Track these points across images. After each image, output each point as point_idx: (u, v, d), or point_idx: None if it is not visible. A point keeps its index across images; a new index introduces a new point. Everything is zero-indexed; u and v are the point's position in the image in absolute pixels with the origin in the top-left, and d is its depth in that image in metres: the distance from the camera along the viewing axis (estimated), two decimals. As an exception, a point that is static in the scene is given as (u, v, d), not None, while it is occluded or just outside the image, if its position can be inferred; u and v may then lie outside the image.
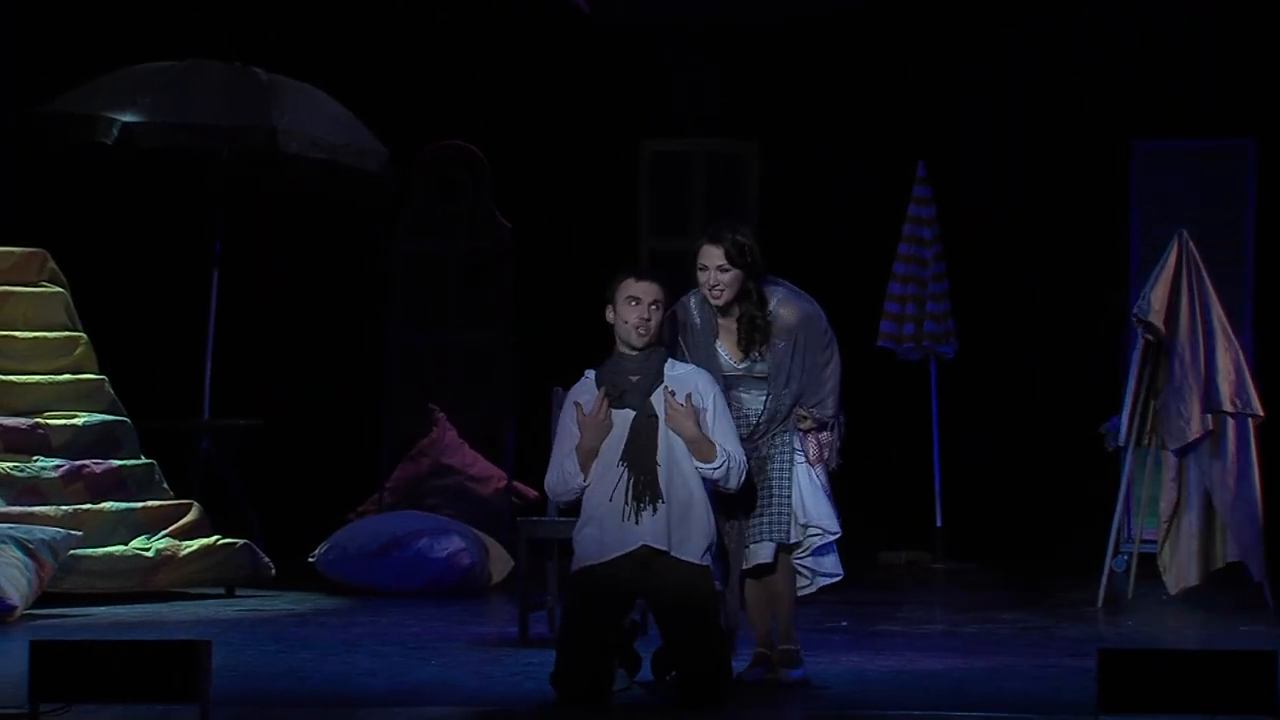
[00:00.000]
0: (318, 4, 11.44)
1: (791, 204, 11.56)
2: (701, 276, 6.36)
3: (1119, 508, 9.05)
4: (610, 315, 6.16)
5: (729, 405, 6.28)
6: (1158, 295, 8.76)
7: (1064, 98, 11.27)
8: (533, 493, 10.46)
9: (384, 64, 11.37)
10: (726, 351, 6.41)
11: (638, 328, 6.10)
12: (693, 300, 6.46)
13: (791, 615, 6.50)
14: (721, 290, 6.33)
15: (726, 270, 6.31)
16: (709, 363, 6.36)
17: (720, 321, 6.42)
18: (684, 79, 11.66)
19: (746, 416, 6.41)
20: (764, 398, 6.42)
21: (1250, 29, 11.00)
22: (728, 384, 6.38)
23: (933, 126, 11.31)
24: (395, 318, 11.21)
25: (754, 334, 6.37)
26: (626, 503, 6.03)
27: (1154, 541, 8.93)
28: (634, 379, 6.12)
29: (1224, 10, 11.01)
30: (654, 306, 6.12)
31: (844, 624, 8.09)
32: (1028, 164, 11.39)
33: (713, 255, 6.33)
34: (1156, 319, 8.74)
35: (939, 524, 10.82)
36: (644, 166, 11.54)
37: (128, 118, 9.42)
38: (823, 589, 6.56)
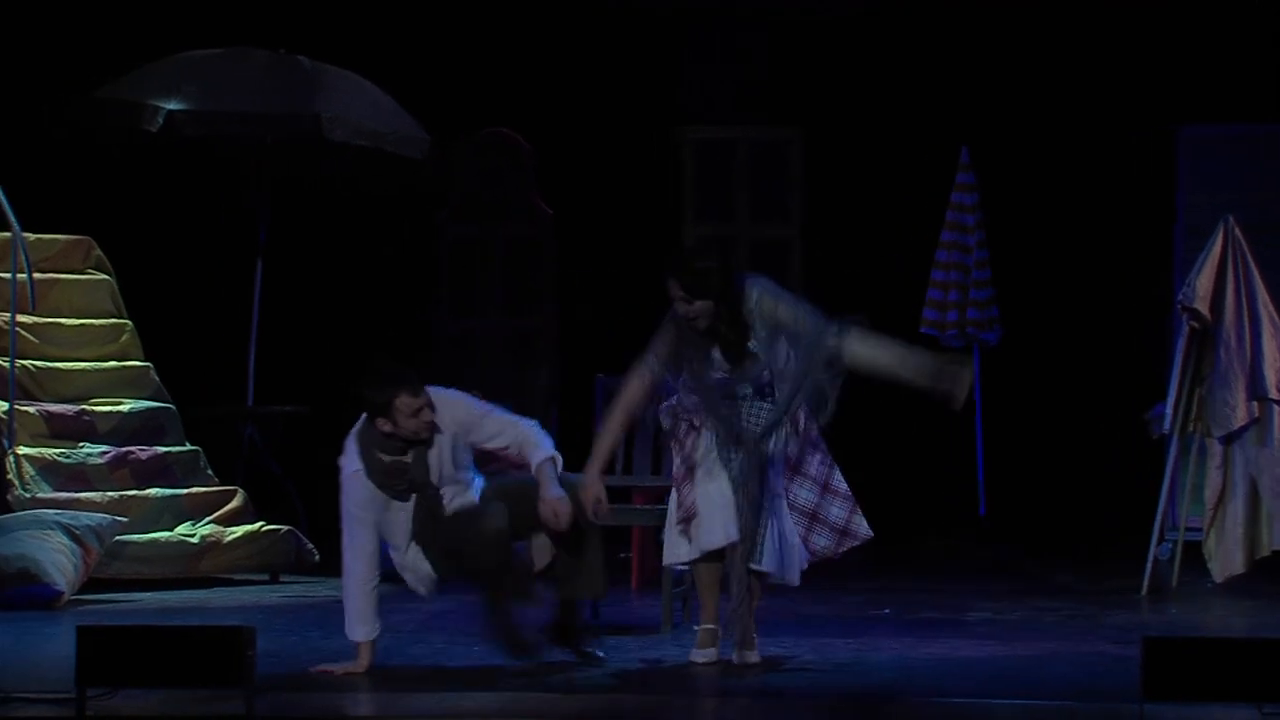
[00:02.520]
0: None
1: (835, 191, 11.53)
2: (677, 306, 6.42)
3: (1163, 495, 9.01)
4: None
5: (733, 415, 6.32)
6: (1203, 282, 8.71)
7: (1108, 82, 11.21)
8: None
9: (428, 51, 11.38)
10: (717, 365, 6.45)
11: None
12: (676, 321, 6.49)
13: (752, 612, 6.48)
14: (695, 317, 6.39)
15: (690, 302, 6.36)
16: (702, 368, 6.37)
17: (705, 338, 6.46)
18: (727, 66, 11.64)
19: (753, 418, 6.41)
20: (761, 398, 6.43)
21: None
22: (724, 389, 6.39)
23: (976, 112, 11.26)
24: (438, 304, 11.23)
25: (738, 342, 6.42)
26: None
27: (1199, 529, 8.89)
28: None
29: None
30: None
31: (887, 611, 8.08)
32: (1072, 149, 11.33)
33: (675, 289, 6.40)
34: (1202, 306, 8.70)
35: (982, 511, 10.79)
36: (687, 153, 11.53)
37: (172, 105, 9.46)
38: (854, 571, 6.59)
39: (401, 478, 6.34)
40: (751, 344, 6.42)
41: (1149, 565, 8.81)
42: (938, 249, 10.81)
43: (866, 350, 6.48)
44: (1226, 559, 8.73)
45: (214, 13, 10.93)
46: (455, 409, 6.46)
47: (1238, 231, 8.76)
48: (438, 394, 6.42)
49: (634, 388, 6.52)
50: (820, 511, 6.59)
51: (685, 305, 6.38)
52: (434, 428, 6.34)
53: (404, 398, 6.29)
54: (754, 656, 6.44)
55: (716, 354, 6.45)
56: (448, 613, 7.92)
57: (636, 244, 10.85)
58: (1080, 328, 11.24)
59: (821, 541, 6.61)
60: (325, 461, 11.18)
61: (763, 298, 6.45)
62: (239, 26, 10.41)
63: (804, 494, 6.57)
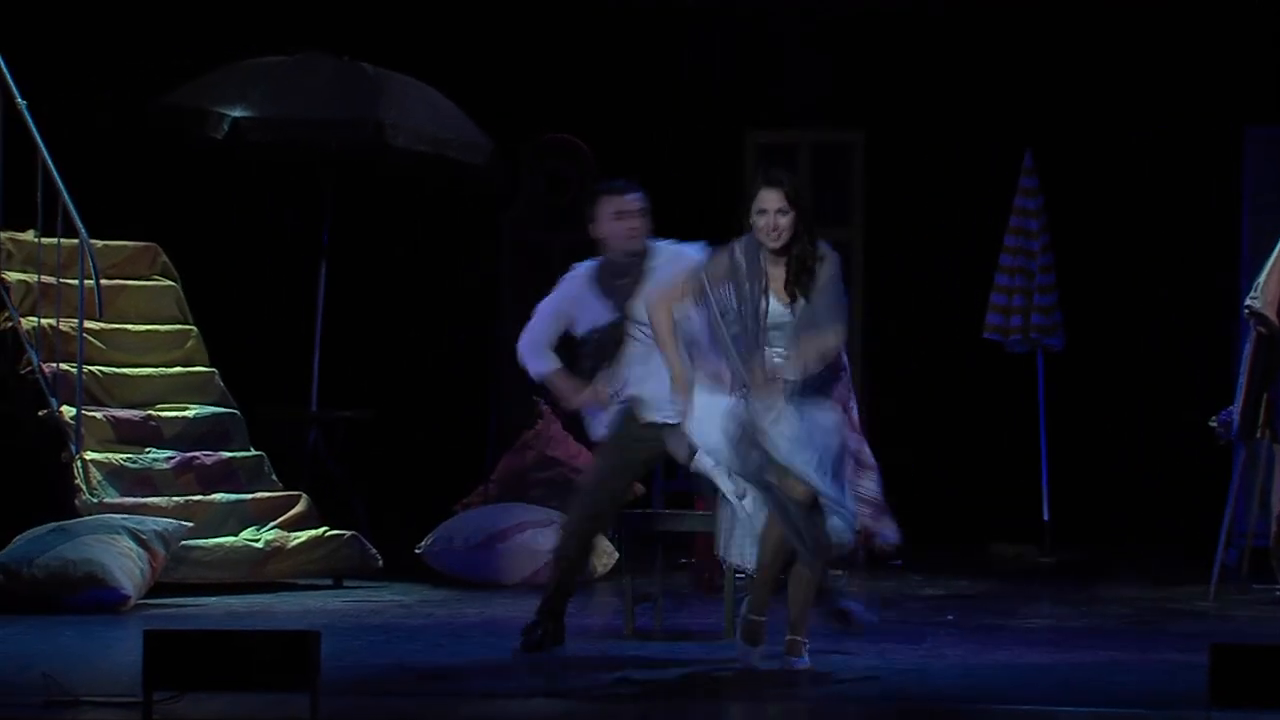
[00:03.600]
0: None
1: (898, 195, 11.50)
2: (760, 220, 6.40)
3: (1230, 501, 8.94)
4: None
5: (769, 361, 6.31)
6: (1270, 287, 8.62)
7: (1174, 83, 11.13)
8: (637, 486, 10.46)
9: (490, 57, 11.41)
10: (775, 298, 6.40)
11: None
12: (738, 249, 6.46)
13: (809, 602, 6.45)
14: (780, 233, 6.39)
15: (786, 213, 6.38)
16: (756, 309, 6.34)
17: (769, 269, 6.41)
18: (791, 69, 11.63)
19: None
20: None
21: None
22: (771, 337, 6.36)
23: (1040, 115, 11.20)
24: (502, 310, 11.26)
25: (803, 274, 6.39)
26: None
27: (1266, 536, 8.81)
28: None
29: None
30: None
31: (950, 617, 8.05)
32: (1137, 152, 11.25)
33: (772, 199, 6.40)
34: (1269, 311, 8.62)
35: (1046, 517, 10.72)
36: (750, 157, 11.52)
37: (238, 112, 9.52)
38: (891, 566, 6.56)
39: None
40: (805, 296, 6.37)
41: (1215, 572, 8.74)
42: (1001, 253, 10.75)
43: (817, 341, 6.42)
44: (1294, 566, 8.65)
45: (278, 20, 11.00)
46: None
47: (1306, 235, 8.68)
48: None
49: (665, 317, 6.49)
50: (884, 502, 6.56)
51: (778, 217, 6.35)
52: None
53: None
54: (800, 659, 6.42)
55: (772, 297, 6.38)
56: (501, 618, 7.94)
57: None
58: (1146, 332, 11.16)
59: (889, 534, 6.58)
60: (388, 465, 11.25)
61: (828, 258, 6.43)
62: (303, 33, 10.47)
63: (869, 485, 6.54)
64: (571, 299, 7.17)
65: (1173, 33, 11.15)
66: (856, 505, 6.43)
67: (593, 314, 7.10)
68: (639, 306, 6.86)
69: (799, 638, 6.45)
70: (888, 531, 6.58)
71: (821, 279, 6.41)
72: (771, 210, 6.40)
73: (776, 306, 6.41)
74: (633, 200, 7.09)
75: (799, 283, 6.40)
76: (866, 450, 6.58)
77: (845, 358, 6.60)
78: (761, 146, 11.51)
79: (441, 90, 10.05)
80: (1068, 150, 11.16)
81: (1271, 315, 8.64)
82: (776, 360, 6.38)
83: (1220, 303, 10.57)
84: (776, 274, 6.44)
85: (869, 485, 6.54)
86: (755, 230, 6.44)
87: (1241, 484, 8.98)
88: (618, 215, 7.07)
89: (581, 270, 7.21)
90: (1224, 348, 10.34)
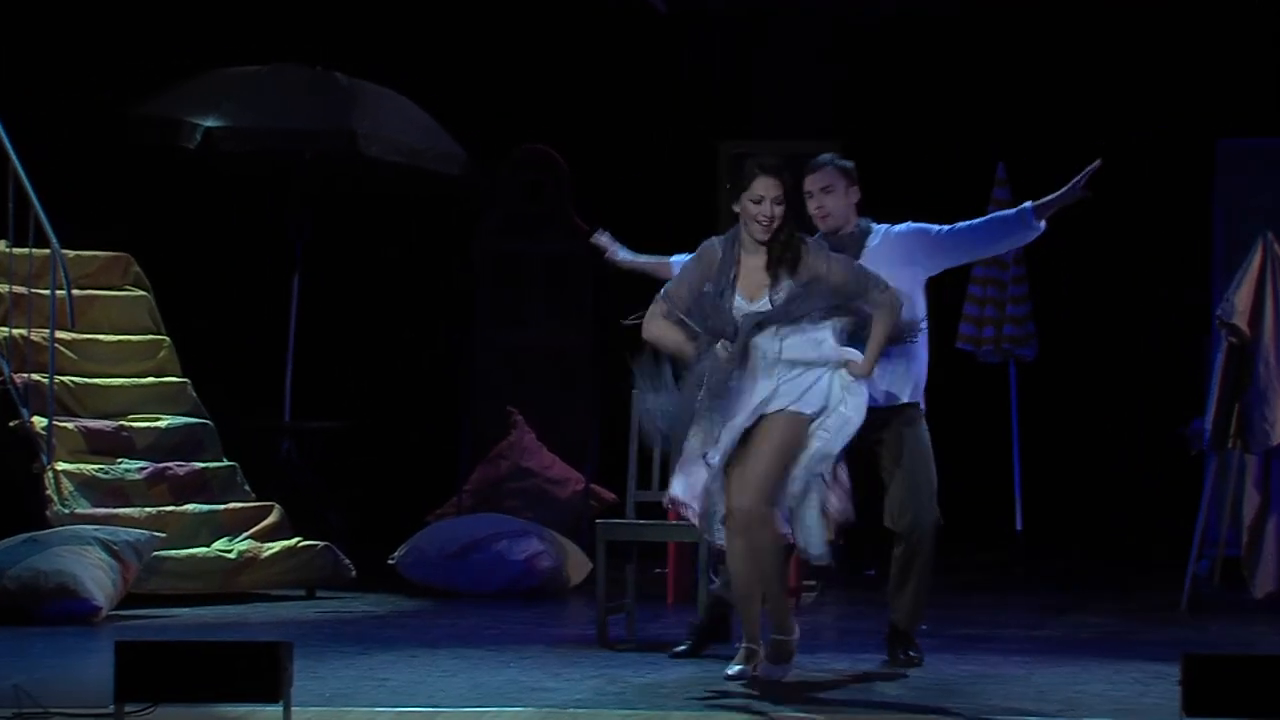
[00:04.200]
0: (399, 9, 11.51)
1: (871, 206, 11.49)
2: (754, 209, 6.36)
3: (1202, 511, 8.97)
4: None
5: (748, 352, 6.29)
6: (1241, 297, 8.68)
7: (1147, 96, 11.18)
8: (611, 495, 10.47)
9: (465, 68, 11.42)
10: (741, 294, 6.37)
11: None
12: (718, 243, 6.45)
13: (783, 593, 6.41)
14: (774, 222, 6.36)
15: (781, 203, 6.36)
16: (718, 304, 6.32)
17: (745, 261, 6.37)
18: (766, 80, 11.65)
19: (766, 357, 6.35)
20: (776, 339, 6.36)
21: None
22: (724, 326, 6.33)
23: (1012, 128, 11.24)
24: (478, 320, 11.26)
25: (784, 259, 6.34)
26: None
27: (1238, 545, 8.84)
28: None
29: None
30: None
31: (924, 627, 8.06)
32: (1109, 164, 11.28)
33: (770, 186, 6.36)
34: (1240, 321, 8.66)
35: (1019, 527, 10.75)
36: (723, 168, 11.54)
37: (210, 122, 9.52)
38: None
39: None
40: (789, 284, 6.34)
41: (1188, 582, 8.77)
42: (974, 265, 10.78)
43: (878, 317, 6.41)
44: (1266, 576, 8.69)
45: (253, 29, 10.99)
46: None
47: (1276, 246, 8.72)
48: None
49: (662, 325, 6.45)
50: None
51: (774, 206, 6.31)
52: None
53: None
54: (782, 669, 6.40)
55: (739, 293, 6.35)
56: (475, 628, 7.93)
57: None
58: (1118, 343, 11.20)
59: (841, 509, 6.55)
60: (361, 476, 11.23)
61: (816, 249, 6.42)
62: (277, 43, 10.46)
63: (835, 502, 6.53)
64: None
65: (1145, 46, 11.20)
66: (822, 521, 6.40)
67: None
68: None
69: (783, 636, 6.41)
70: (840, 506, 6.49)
71: (806, 273, 6.33)
72: (769, 199, 6.33)
73: (741, 303, 6.36)
74: (813, 179, 6.86)
75: (782, 264, 6.33)
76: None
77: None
78: (735, 157, 11.53)
79: (416, 101, 10.05)
80: (1040, 162, 11.18)
81: (1243, 326, 8.68)
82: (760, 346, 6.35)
83: (1192, 314, 10.61)
84: (752, 265, 6.38)
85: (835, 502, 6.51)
86: (746, 218, 6.37)
87: (1213, 494, 9.01)
88: (806, 194, 6.87)
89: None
90: (1196, 359, 10.38)
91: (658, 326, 6.49)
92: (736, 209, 6.42)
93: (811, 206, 6.84)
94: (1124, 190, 11.24)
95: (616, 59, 11.61)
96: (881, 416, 6.72)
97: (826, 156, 6.91)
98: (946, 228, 6.97)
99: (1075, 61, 11.31)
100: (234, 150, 9.64)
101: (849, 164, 6.91)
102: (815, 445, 6.31)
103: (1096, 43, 11.26)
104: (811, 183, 6.85)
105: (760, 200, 6.35)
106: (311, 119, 9.62)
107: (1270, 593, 8.69)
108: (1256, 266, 8.69)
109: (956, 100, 11.37)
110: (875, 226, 6.95)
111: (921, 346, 6.86)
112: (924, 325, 6.84)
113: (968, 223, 7.01)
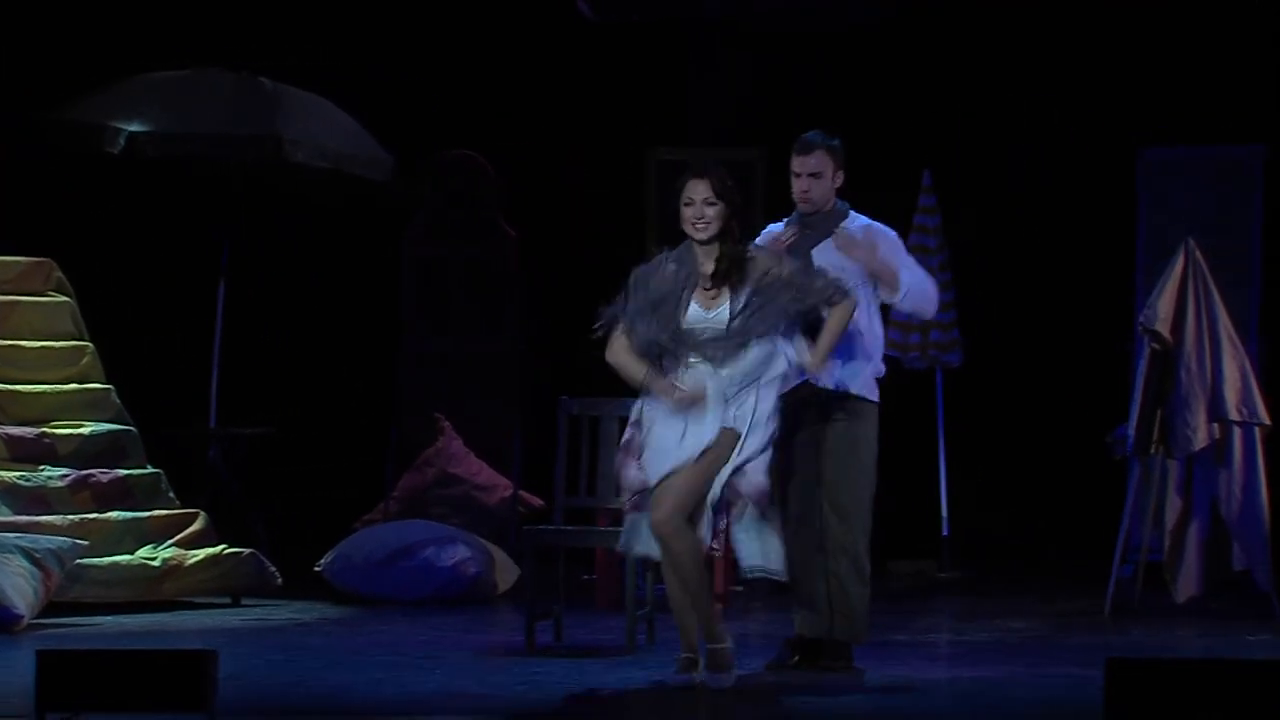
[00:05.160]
0: (325, 13, 11.46)
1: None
2: (687, 212, 6.39)
3: (1126, 516, 9.05)
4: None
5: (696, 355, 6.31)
6: (1164, 304, 8.75)
7: (1070, 105, 11.26)
8: (538, 501, 10.46)
9: (392, 73, 11.38)
10: (698, 302, 6.38)
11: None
12: (669, 256, 6.45)
13: (711, 601, 6.43)
14: (707, 224, 6.37)
15: (713, 204, 6.37)
16: (674, 313, 6.31)
17: (702, 272, 6.37)
18: (693, 88, 11.67)
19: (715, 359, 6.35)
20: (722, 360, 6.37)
21: (1258, 35, 10.99)
22: (690, 339, 6.32)
23: (938, 135, 11.30)
24: (403, 326, 11.22)
25: (733, 271, 6.36)
26: None
27: (1161, 550, 8.92)
28: None
29: (1232, 17, 11.00)
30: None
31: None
32: (1034, 172, 11.38)
33: (699, 189, 6.38)
34: (1163, 328, 8.74)
35: (945, 533, 10.81)
36: (651, 175, 11.55)
37: (134, 127, 9.45)
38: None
39: None
40: (747, 290, 6.34)
41: (1111, 586, 8.84)
42: (901, 271, 10.81)
43: (834, 314, 6.41)
44: (1188, 580, 8.76)
45: (177, 33, 10.91)
46: None
47: (1198, 254, 8.80)
48: None
49: (621, 346, 6.43)
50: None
51: (704, 207, 6.32)
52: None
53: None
54: (724, 676, 6.41)
55: (695, 302, 6.35)
56: (402, 635, 7.91)
57: (602, 266, 10.84)
58: (1042, 350, 11.28)
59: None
60: (288, 483, 11.17)
61: (760, 253, 6.43)
62: (202, 47, 10.40)
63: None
64: None
65: (1068, 55, 11.29)
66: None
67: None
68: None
69: (719, 645, 6.41)
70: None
71: (757, 274, 6.35)
72: (699, 200, 6.36)
73: (697, 311, 6.37)
74: (803, 161, 6.79)
75: (729, 278, 6.35)
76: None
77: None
78: (662, 164, 11.53)
79: (342, 106, 10.01)
80: (965, 170, 11.26)
81: (1165, 333, 8.75)
82: (696, 365, 6.35)
83: (1115, 321, 10.70)
84: (707, 273, 6.39)
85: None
86: (682, 222, 6.39)
87: (1136, 499, 9.08)
88: (793, 173, 6.81)
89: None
90: (1119, 365, 10.46)
91: (618, 353, 6.47)
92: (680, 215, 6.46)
93: (796, 187, 6.78)
94: (1048, 198, 11.34)
95: (545, 65, 11.60)
96: (828, 402, 6.72)
97: (817, 136, 6.80)
98: (902, 291, 6.84)
99: (999, 70, 11.38)
100: (158, 155, 9.57)
101: (837, 144, 6.82)
102: (735, 459, 6.33)
103: (1020, 51, 11.33)
104: (800, 164, 6.78)
105: (690, 202, 6.39)
106: (236, 124, 9.56)
107: (1192, 597, 8.77)
108: (1178, 273, 8.77)
109: (883, 108, 11.41)
110: (853, 212, 6.91)
111: (877, 348, 6.87)
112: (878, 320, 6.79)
113: (915, 287, 6.88)
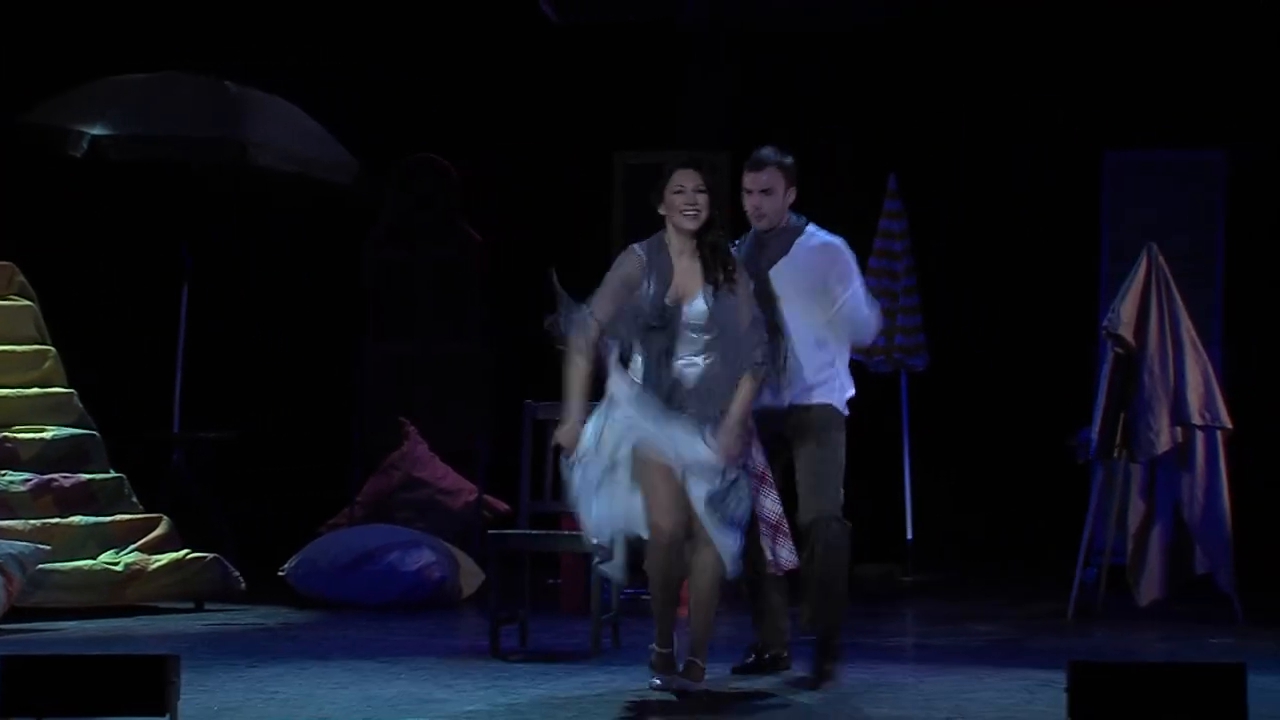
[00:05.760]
0: (289, 17, 11.44)
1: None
2: (678, 200, 6.42)
3: (1089, 520, 9.08)
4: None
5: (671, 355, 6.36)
6: (1127, 308, 8.79)
7: (1035, 108, 11.30)
8: (504, 505, 10.45)
9: (357, 76, 11.36)
10: (683, 293, 6.39)
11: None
12: (639, 248, 6.48)
13: (710, 622, 6.46)
14: (698, 211, 6.40)
15: (703, 191, 6.40)
16: (654, 301, 6.34)
17: (677, 264, 6.39)
18: (660, 91, 11.67)
19: (682, 377, 6.36)
20: (701, 356, 6.37)
21: (1222, 41, 11.04)
22: (684, 335, 6.35)
23: (904, 139, 11.33)
24: (367, 330, 11.20)
25: (717, 261, 6.40)
26: None
27: (1124, 554, 8.95)
28: None
29: (1196, 22, 11.05)
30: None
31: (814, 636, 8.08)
32: (999, 176, 11.41)
33: (690, 177, 6.42)
34: (1126, 332, 8.77)
35: (910, 537, 10.83)
36: (618, 179, 11.55)
37: (97, 131, 9.41)
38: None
39: None
40: (714, 285, 6.37)
41: (1075, 590, 8.87)
42: (865, 275, 10.83)
43: (745, 383, 6.42)
44: (1150, 583, 8.80)
45: (141, 37, 10.88)
46: None
47: (1161, 259, 8.84)
48: None
49: (575, 369, 6.43)
50: (784, 523, 6.59)
51: (695, 195, 6.36)
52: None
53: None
54: (695, 681, 6.42)
55: (672, 292, 6.37)
56: (366, 640, 7.89)
57: (568, 270, 10.84)
58: (1006, 354, 11.31)
59: (785, 554, 6.61)
60: (252, 487, 11.13)
61: (740, 269, 6.47)
62: (166, 51, 10.36)
63: (769, 503, 6.56)
64: None
65: (1034, 58, 11.32)
66: (739, 538, 6.42)
67: None
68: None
69: (698, 660, 6.44)
70: (784, 554, 6.60)
71: (738, 277, 6.40)
72: (690, 188, 6.41)
73: (690, 302, 6.39)
74: (754, 178, 6.83)
75: (715, 267, 6.40)
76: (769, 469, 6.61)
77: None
78: (629, 167, 11.53)
79: (306, 109, 9.99)
80: (931, 173, 11.29)
81: (1129, 337, 8.79)
82: (684, 367, 6.36)
83: (1079, 324, 10.73)
84: (687, 267, 6.42)
85: (769, 504, 6.55)
86: (672, 211, 6.42)
87: (1099, 503, 9.12)
88: (745, 190, 6.86)
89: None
90: (1083, 369, 10.50)
91: (572, 365, 6.47)
92: (662, 211, 6.47)
93: (748, 204, 6.84)
94: (1013, 201, 11.38)
95: (510, 68, 11.59)
96: (796, 414, 6.75)
97: (769, 153, 6.84)
98: (843, 303, 6.89)
99: (965, 72, 11.41)
100: (122, 159, 9.54)
101: (789, 161, 6.85)
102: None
103: (986, 54, 11.36)
104: (752, 181, 6.83)
105: (682, 190, 6.43)
106: (201, 127, 9.54)
107: (1155, 600, 8.80)
108: (1142, 278, 8.81)
109: (848, 111, 11.44)
110: (809, 227, 6.93)
111: (842, 358, 6.91)
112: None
113: (849, 311, 6.91)
